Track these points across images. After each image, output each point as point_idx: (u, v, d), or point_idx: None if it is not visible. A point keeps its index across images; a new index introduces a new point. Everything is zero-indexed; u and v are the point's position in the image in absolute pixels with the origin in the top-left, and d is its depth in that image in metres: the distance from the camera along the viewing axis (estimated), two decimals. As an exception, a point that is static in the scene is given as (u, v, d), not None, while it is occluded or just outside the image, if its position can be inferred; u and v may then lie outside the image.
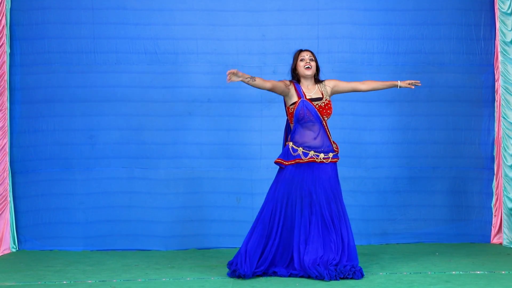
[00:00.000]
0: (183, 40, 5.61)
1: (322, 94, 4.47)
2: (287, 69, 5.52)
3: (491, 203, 5.67)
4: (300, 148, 4.37)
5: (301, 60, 4.45)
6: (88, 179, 5.59)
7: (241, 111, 5.67)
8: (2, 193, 5.43)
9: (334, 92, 4.55)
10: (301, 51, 4.51)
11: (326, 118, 4.45)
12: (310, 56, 4.45)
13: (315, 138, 4.38)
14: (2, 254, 5.39)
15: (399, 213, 5.69)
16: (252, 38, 5.65)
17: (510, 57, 5.45)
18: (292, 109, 4.40)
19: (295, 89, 4.43)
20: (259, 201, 5.51)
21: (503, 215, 5.52)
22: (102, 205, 5.59)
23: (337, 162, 4.47)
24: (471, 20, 5.66)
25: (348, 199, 5.50)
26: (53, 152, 5.59)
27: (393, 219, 5.68)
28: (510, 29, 5.43)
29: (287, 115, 4.52)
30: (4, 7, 5.43)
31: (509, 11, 5.40)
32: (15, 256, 5.33)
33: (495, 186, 5.63)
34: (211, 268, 4.69)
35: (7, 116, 5.50)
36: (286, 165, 4.36)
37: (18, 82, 5.57)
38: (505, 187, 5.49)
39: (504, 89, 5.50)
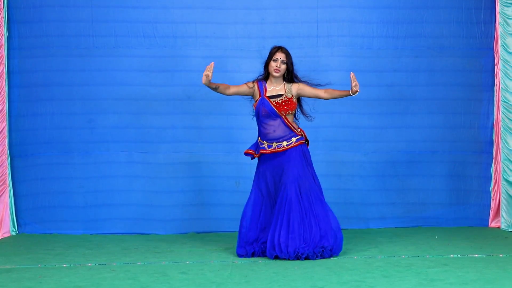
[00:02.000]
0: (182, 23, 5.60)
1: (285, 91, 4.60)
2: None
3: (489, 187, 5.69)
4: (265, 142, 4.59)
5: (274, 60, 4.59)
6: (87, 163, 5.60)
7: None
8: (1, 177, 5.44)
9: (299, 94, 4.65)
10: (277, 50, 4.62)
11: (286, 114, 4.58)
12: (283, 59, 4.58)
13: (274, 131, 4.58)
14: (2, 237, 5.40)
15: (398, 197, 5.72)
16: (251, 21, 5.64)
17: (507, 41, 5.40)
18: (254, 106, 4.64)
19: (258, 88, 4.62)
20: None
21: (501, 199, 5.53)
22: (101, 189, 5.60)
23: (303, 144, 4.59)
24: (471, 3, 5.67)
25: (347, 183, 5.71)
26: (52, 136, 5.60)
27: (392, 203, 5.70)
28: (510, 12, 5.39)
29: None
30: (2, -10, 5.41)
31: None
32: (15, 239, 5.35)
33: (494, 170, 5.64)
34: (210, 252, 4.70)
35: (6, 100, 5.49)
36: (255, 157, 4.64)
37: (16, 65, 5.57)
38: (504, 171, 5.49)
39: (504, 73, 5.48)
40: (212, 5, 5.62)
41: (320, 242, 4.39)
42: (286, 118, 4.58)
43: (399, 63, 5.68)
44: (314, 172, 4.64)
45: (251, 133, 5.61)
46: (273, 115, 4.57)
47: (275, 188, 4.56)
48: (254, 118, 4.66)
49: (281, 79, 4.63)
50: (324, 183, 5.52)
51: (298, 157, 4.55)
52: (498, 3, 5.50)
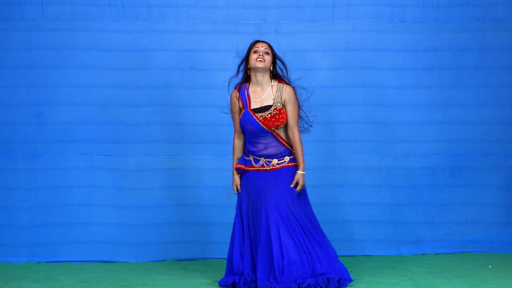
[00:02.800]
0: (159, -13, 5.55)
1: (274, 99, 4.49)
2: (293, 27, 5.57)
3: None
4: (251, 156, 4.53)
5: (254, 52, 4.51)
6: (35, 169, 5.48)
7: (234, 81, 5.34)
8: None
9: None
10: (256, 41, 4.58)
11: (277, 129, 4.49)
12: (265, 48, 4.52)
13: (266, 148, 4.50)
14: None
15: (439, 215, 5.60)
16: (249, -13, 5.65)
17: None
18: (239, 118, 4.59)
19: (240, 97, 4.56)
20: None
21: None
22: (52, 203, 5.48)
23: (297, 167, 4.52)
24: (533, -36, 5.38)
25: (372, 196, 5.58)
26: (-12, 134, 5.34)
27: (431, 222, 5.58)
28: None
29: None
30: None
31: None
32: None
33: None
34: (195, 286, 4.58)
35: None
36: (244, 171, 4.57)
37: None
38: None
39: None
40: (197, -36, 5.54)
41: (322, 270, 4.32)
42: (278, 134, 4.49)
43: (439, 40, 5.57)
44: (309, 204, 4.57)
45: (248, 131, 5.40)
46: (262, 132, 4.49)
47: (253, 211, 4.49)
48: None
49: (267, 76, 4.53)
50: (341, 196, 5.62)
51: (290, 177, 4.46)
52: None
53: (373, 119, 5.53)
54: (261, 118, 4.44)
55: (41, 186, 5.45)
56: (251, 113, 4.46)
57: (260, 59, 4.45)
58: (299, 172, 4.44)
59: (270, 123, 4.44)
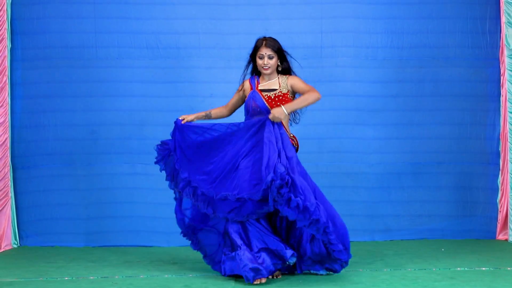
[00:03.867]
0: (185, 34, 5.59)
1: (280, 85, 4.22)
2: (290, 63, 5.58)
3: (496, 198, 5.64)
4: None
5: (260, 58, 4.21)
6: (90, 175, 5.57)
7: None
8: (3, 189, 5.42)
9: (293, 89, 4.27)
10: (261, 44, 4.20)
11: None
12: (269, 53, 4.17)
13: None
14: (4, 250, 5.38)
15: (403, 209, 5.65)
16: (254, 32, 5.49)
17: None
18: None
19: (250, 83, 4.28)
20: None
21: (509, 210, 5.49)
22: (103, 201, 5.56)
23: None
24: (477, 13, 5.61)
25: (351, 195, 5.65)
26: (55, 148, 5.57)
27: (397, 215, 5.64)
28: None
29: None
30: (5, 1, 5.42)
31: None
32: (17, 252, 5.33)
33: (501, 181, 5.59)
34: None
35: (8, 111, 5.49)
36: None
37: (19, 77, 5.57)
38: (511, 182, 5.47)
39: (510, 83, 5.45)
40: (215, 15, 5.61)
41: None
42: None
43: (404, 74, 5.64)
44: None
45: (255, 144, 5.64)
46: (265, 111, 4.13)
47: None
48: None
49: (274, 73, 4.26)
50: (328, 195, 5.43)
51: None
52: (504, 13, 5.48)
53: (353, 135, 5.59)
54: (266, 97, 4.16)
55: (94, 187, 5.54)
56: (258, 91, 4.18)
57: (265, 67, 4.15)
58: (282, 106, 4.03)
59: (274, 104, 4.14)
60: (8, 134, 5.47)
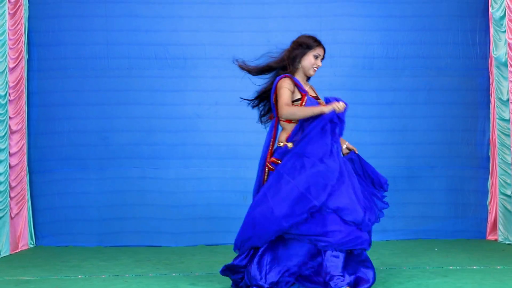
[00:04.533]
0: (191, 46, 5.63)
1: (315, 93, 3.80)
2: None
3: (486, 201, 5.67)
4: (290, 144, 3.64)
5: (316, 57, 3.61)
6: (102, 179, 5.60)
7: (247, 113, 5.47)
8: (20, 192, 5.46)
9: None
10: (318, 44, 3.62)
11: None
12: (322, 56, 3.66)
13: None
14: (21, 250, 5.42)
15: (399, 211, 5.64)
16: (257, 43, 5.62)
17: (501, 62, 5.41)
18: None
19: (295, 84, 3.61)
20: (265, 199, 5.61)
21: (498, 212, 5.51)
22: (115, 203, 5.59)
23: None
24: (467, 26, 5.67)
25: None
26: (69, 153, 5.61)
27: (393, 216, 5.59)
28: (503, 30, 5.40)
29: (278, 114, 3.67)
30: (22, 15, 5.47)
31: (502, 14, 5.38)
32: (33, 251, 5.36)
33: (490, 184, 5.62)
34: (219, 264, 4.43)
35: (25, 119, 5.54)
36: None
37: (35, 86, 5.61)
38: (501, 184, 5.47)
39: (498, 92, 5.48)
40: (220, 28, 5.66)
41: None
42: None
43: (398, 83, 5.68)
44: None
45: (258, 150, 5.60)
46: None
47: None
48: (275, 120, 3.69)
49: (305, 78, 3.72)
50: None
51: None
52: (492, 26, 5.52)
53: (350, 141, 5.09)
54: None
55: (106, 190, 5.57)
56: (314, 98, 3.62)
57: (316, 68, 3.62)
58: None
59: None
60: (25, 141, 5.51)
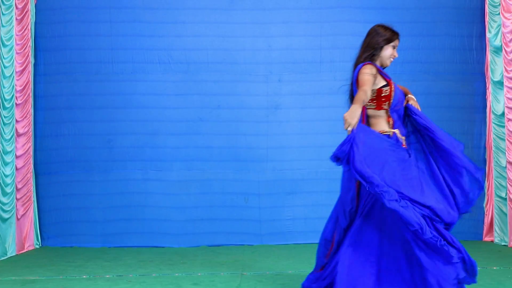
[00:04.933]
0: (194, 50, 5.66)
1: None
2: (291, 77, 5.69)
3: (483, 203, 5.67)
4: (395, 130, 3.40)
5: (394, 47, 3.44)
6: (106, 181, 5.62)
7: (249, 116, 5.70)
8: (26, 194, 5.48)
9: None
10: (397, 36, 3.47)
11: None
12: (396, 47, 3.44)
13: (398, 126, 3.43)
14: (27, 250, 5.43)
15: (397, 213, 5.66)
16: (259, 48, 5.69)
17: (496, 67, 5.43)
18: (387, 91, 3.36)
19: (379, 70, 3.39)
20: (266, 201, 5.61)
21: (494, 214, 5.52)
22: (119, 205, 5.61)
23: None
24: (464, 31, 5.70)
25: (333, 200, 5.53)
26: (74, 155, 5.64)
27: None
28: (497, 37, 5.43)
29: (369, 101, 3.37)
30: (29, 21, 5.51)
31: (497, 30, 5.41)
32: (39, 252, 5.38)
33: (487, 187, 5.62)
34: (220, 264, 4.70)
35: (32, 122, 5.57)
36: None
37: (41, 90, 5.64)
38: (496, 187, 5.48)
39: (494, 97, 5.50)
40: (222, 33, 5.69)
41: None
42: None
43: (397, 87, 5.72)
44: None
45: (259, 152, 5.70)
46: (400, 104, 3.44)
47: None
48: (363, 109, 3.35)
49: None
50: (328, 200, 5.43)
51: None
52: (488, 31, 5.54)
53: None
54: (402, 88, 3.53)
55: (110, 192, 5.57)
56: (398, 86, 3.46)
57: (392, 60, 3.47)
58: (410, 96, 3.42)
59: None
60: (31, 143, 5.54)
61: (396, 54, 3.50)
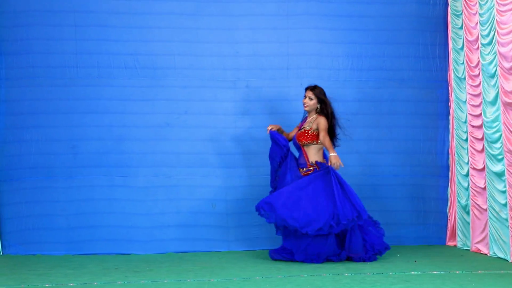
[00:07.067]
0: (161, 56, 5.63)
1: (308, 123, 5.09)
2: (259, 83, 5.76)
3: (446, 208, 5.78)
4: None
5: (304, 97, 5.16)
6: (70, 187, 5.55)
7: (216, 122, 5.70)
8: (-13, 201, 5.36)
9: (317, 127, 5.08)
10: (306, 89, 5.15)
11: (303, 144, 5.05)
12: (310, 95, 5.08)
13: (299, 158, 5.10)
14: (-13, 258, 5.31)
15: (365, 218, 5.71)
16: (226, 54, 5.70)
17: (459, 75, 5.55)
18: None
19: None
20: (233, 207, 5.62)
21: (456, 219, 5.62)
22: (83, 212, 5.55)
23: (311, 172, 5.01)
24: (428, 40, 5.81)
25: None
26: (37, 161, 5.54)
27: None
28: (459, 46, 5.55)
29: None
30: (-10, 24, 5.38)
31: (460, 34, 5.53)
32: (0, 260, 5.24)
33: (450, 193, 5.73)
34: (187, 271, 4.67)
35: (-7, 127, 5.45)
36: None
37: (3, 94, 5.53)
38: (458, 194, 5.59)
39: (456, 104, 5.61)
40: (189, 38, 5.67)
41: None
42: (303, 148, 5.03)
43: (363, 94, 5.77)
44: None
45: (227, 158, 5.70)
46: (295, 144, 5.10)
47: None
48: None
49: (313, 112, 5.10)
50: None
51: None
52: (451, 40, 5.66)
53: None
54: (299, 132, 5.06)
55: (74, 199, 5.50)
56: (297, 129, 5.15)
57: (305, 105, 5.08)
58: (331, 154, 4.89)
59: (299, 137, 5.04)
60: (-8, 149, 5.44)
61: (304, 100, 5.15)
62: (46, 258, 5.30)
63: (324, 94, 5.09)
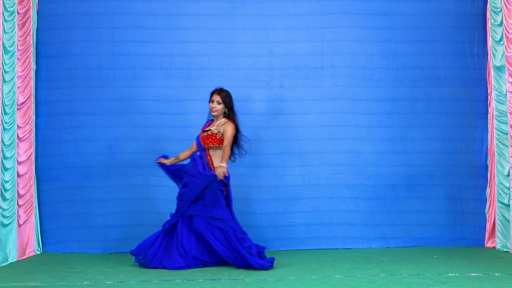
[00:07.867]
0: (196, 56, 5.67)
1: (215, 126, 4.92)
2: (293, 83, 5.72)
3: (484, 209, 5.67)
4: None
5: (210, 101, 4.98)
6: (107, 186, 5.62)
7: (251, 122, 5.68)
8: (28, 200, 5.47)
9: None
10: (212, 93, 4.95)
11: (209, 147, 4.89)
12: (217, 100, 4.91)
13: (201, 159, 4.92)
14: (28, 256, 5.42)
15: (398, 218, 5.70)
16: (260, 54, 5.71)
17: (497, 64, 5.42)
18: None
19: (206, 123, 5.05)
20: (267, 207, 5.61)
21: (497, 220, 5.50)
22: (120, 211, 5.61)
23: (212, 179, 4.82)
24: (465, 37, 5.72)
25: (350, 205, 5.71)
26: (75, 161, 5.64)
27: (393, 224, 5.68)
28: (500, 42, 5.42)
29: None
30: (31, 27, 5.52)
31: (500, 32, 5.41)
32: (40, 258, 5.37)
33: (488, 193, 5.62)
34: (221, 270, 4.70)
35: (33, 128, 5.57)
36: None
37: (43, 96, 5.64)
38: (499, 194, 5.47)
39: (497, 102, 5.49)
40: (224, 39, 5.70)
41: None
42: (208, 151, 4.85)
43: (398, 93, 5.72)
44: None
45: (260, 158, 5.68)
46: (199, 146, 4.92)
47: None
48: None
49: (221, 116, 4.96)
50: (328, 205, 5.68)
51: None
52: (490, 38, 5.54)
53: (351, 150, 5.64)
54: (204, 135, 4.87)
55: (111, 198, 5.57)
56: (201, 132, 4.94)
57: (212, 110, 4.90)
58: (221, 164, 4.71)
59: (204, 140, 4.85)
60: (33, 149, 5.53)
61: (212, 105, 4.96)
62: (84, 256, 5.40)
63: (231, 98, 4.96)
